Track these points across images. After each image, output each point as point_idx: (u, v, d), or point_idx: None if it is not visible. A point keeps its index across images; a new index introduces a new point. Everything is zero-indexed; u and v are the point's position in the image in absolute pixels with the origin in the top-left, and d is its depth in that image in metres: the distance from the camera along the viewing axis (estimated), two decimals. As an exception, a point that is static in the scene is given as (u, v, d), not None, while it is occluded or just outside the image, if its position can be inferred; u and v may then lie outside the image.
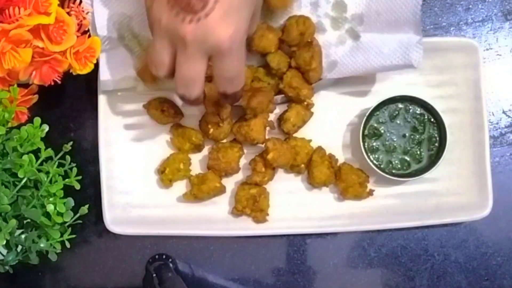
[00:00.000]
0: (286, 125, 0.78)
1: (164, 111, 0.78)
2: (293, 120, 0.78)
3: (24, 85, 0.71)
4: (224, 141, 0.80)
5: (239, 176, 0.81)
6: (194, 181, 0.79)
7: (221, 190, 0.79)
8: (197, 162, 0.81)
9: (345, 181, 0.78)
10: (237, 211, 0.78)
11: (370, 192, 0.79)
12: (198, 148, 0.80)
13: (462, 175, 0.80)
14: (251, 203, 0.78)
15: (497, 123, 0.82)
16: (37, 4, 0.64)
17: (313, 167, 0.78)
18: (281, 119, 0.79)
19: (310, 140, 0.80)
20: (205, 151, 0.81)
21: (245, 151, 0.80)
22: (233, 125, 0.78)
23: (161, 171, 0.79)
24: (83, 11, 0.71)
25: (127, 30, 0.75)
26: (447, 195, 0.80)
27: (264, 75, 0.78)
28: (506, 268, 0.80)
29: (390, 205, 0.80)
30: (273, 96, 0.78)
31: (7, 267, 0.70)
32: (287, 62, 0.77)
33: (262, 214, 0.79)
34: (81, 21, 0.71)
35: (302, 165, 0.79)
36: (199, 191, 0.78)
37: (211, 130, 0.78)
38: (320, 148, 0.80)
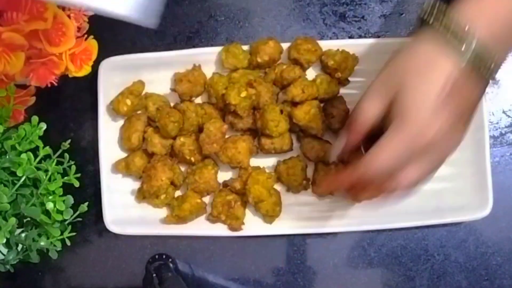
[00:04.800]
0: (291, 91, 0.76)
1: None
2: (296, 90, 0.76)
3: (22, 86, 0.71)
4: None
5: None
6: (174, 203, 0.78)
7: (202, 207, 0.78)
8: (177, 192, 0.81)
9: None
10: (212, 217, 0.78)
11: None
12: (173, 183, 0.79)
13: (462, 175, 0.79)
14: (226, 209, 0.77)
15: (497, 123, 0.82)
16: (32, 9, 0.63)
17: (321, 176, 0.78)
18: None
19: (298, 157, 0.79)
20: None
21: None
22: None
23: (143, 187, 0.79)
24: (84, 14, 0.71)
25: None
26: (447, 195, 0.79)
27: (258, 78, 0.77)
28: (506, 268, 0.80)
29: (390, 205, 0.79)
30: (252, 142, 0.78)
31: (7, 266, 0.70)
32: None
33: (238, 222, 0.77)
34: (81, 23, 0.71)
35: (305, 182, 0.79)
36: (180, 211, 0.77)
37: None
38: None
